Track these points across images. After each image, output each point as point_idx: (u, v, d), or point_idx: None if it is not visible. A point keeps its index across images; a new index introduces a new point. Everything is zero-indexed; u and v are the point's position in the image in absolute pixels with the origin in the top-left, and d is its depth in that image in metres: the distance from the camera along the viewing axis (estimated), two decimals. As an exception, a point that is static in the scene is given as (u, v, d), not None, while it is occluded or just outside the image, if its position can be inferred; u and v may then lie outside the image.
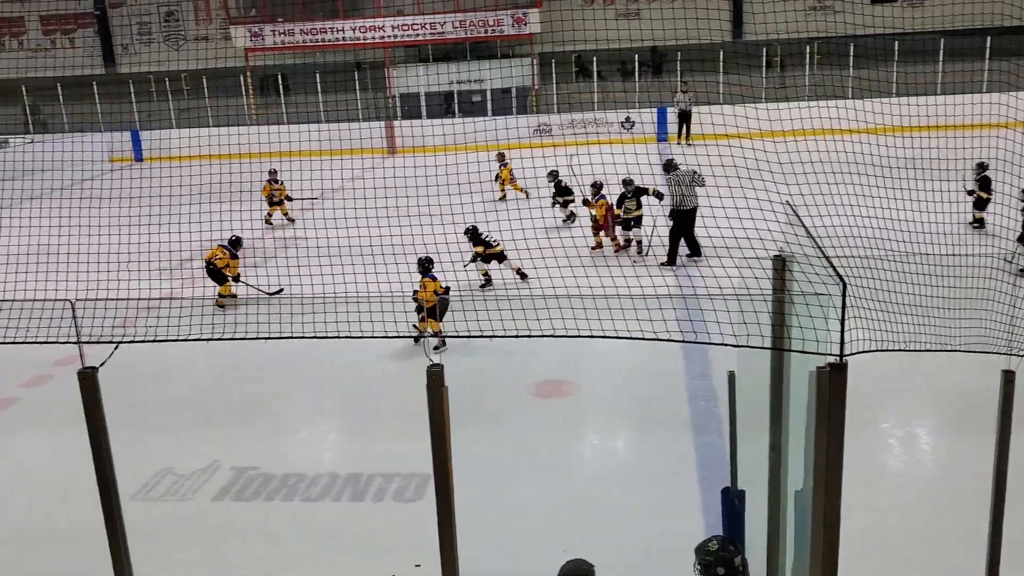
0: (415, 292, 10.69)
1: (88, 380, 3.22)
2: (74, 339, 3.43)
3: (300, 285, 9.15)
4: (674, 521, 6.99)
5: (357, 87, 28.04)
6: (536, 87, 28.41)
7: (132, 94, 28.28)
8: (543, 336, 4.33)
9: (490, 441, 8.31)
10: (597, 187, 14.35)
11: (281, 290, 12.15)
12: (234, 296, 12.77)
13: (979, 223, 14.40)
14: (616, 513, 7.31)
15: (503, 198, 18.90)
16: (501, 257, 12.80)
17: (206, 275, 12.93)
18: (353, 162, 20.08)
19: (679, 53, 25.26)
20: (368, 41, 28.68)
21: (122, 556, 3.37)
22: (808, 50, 25.17)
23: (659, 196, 13.88)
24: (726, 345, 3.72)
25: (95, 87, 28.48)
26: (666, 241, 13.61)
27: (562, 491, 7.69)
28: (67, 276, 8.18)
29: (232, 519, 7.56)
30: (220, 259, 12.73)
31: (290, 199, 18.39)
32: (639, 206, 14.11)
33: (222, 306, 12.41)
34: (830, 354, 3.33)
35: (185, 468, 8.30)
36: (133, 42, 32.73)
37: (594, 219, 14.63)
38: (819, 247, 3.76)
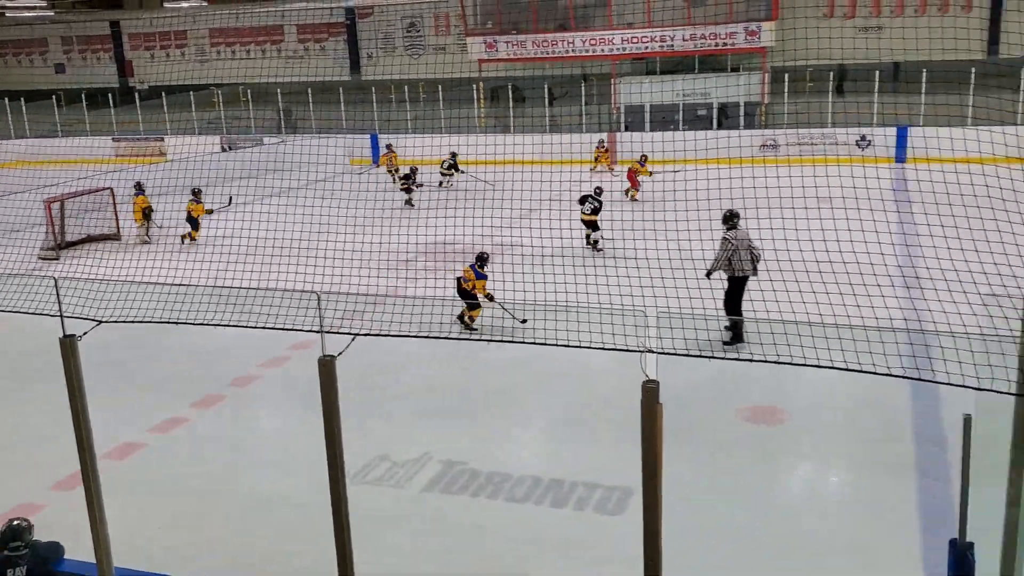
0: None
1: (327, 367, 3.48)
2: (317, 328, 3.72)
3: (538, 292, 9.40)
4: (890, 570, 6.58)
5: (583, 99, 28.42)
6: (765, 102, 27.65)
7: (373, 101, 30.12)
8: (777, 362, 4.20)
9: (693, 462, 8.17)
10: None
11: (525, 320, 11.35)
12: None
13: None
14: (824, 554, 6.97)
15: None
16: None
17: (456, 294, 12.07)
18: (572, 172, 20.48)
19: (924, 71, 23.74)
20: (596, 54, 29.04)
21: (344, 536, 3.59)
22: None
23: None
24: (966, 387, 3.47)
25: (341, 92, 30.62)
26: None
27: (766, 523, 7.43)
28: (305, 269, 8.84)
29: (440, 511, 7.87)
30: (467, 280, 11.91)
31: (210, 212, 18.08)
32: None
33: (468, 326, 11.97)
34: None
35: (400, 456, 8.73)
36: (377, 51, 34.88)
37: None
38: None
